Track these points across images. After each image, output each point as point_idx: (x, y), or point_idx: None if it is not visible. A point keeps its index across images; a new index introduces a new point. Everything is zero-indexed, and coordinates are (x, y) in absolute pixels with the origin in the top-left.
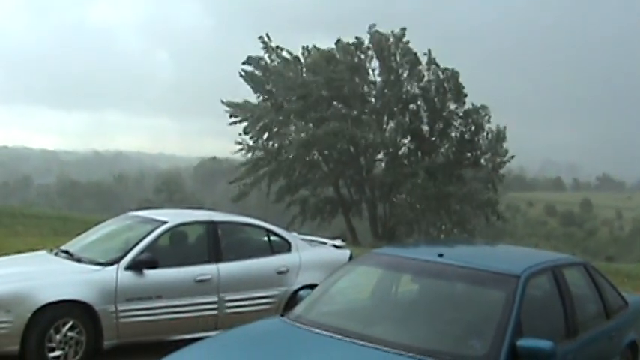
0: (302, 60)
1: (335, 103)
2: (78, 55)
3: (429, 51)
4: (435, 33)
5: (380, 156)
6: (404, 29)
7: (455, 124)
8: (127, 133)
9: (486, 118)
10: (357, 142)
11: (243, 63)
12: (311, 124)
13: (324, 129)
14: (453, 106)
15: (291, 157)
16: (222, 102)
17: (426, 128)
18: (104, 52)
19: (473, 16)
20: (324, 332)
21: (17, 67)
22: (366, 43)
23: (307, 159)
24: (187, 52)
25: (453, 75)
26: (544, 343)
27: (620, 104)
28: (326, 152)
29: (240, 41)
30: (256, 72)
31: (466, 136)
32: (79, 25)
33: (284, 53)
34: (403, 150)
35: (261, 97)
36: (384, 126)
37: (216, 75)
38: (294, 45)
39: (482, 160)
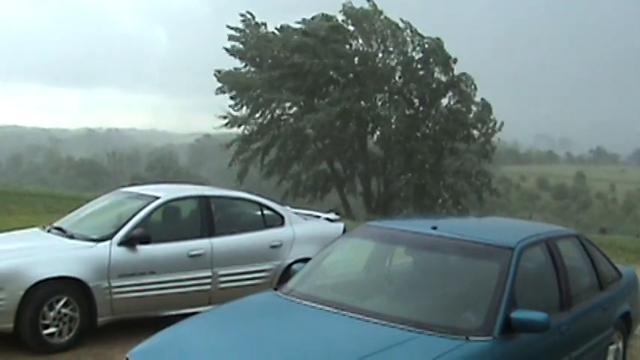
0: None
1: (327, 79)
2: (72, 33)
3: (409, 23)
4: (429, 7)
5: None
6: (370, 0)
7: (446, 94)
8: (120, 110)
9: (473, 87)
10: (352, 118)
11: (229, 38)
12: (304, 101)
13: (332, 111)
14: (441, 77)
15: (284, 129)
16: (215, 74)
17: (415, 100)
18: (99, 30)
19: None
20: (318, 306)
21: (10, 45)
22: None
23: (301, 134)
24: (182, 29)
25: (438, 44)
26: (538, 315)
27: (614, 78)
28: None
29: (235, 18)
30: (240, 46)
31: (457, 106)
32: (73, 1)
33: (270, 28)
34: (395, 122)
35: (248, 69)
36: (375, 98)
37: (210, 52)
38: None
39: (474, 132)
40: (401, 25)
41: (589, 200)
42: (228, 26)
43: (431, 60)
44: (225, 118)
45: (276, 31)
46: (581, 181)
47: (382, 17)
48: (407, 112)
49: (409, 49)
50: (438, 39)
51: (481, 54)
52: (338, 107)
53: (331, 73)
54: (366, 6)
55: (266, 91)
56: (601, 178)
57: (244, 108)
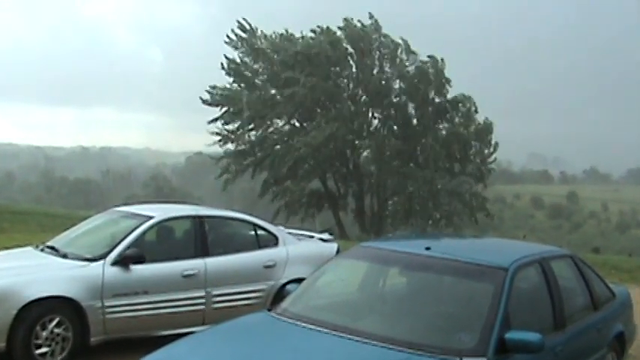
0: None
1: (321, 98)
2: (66, 52)
3: (404, 41)
4: (418, 23)
5: (366, 152)
6: (372, 17)
7: (447, 115)
8: (114, 128)
9: (473, 109)
10: (345, 138)
11: (226, 43)
12: (297, 119)
13: (323, 132)
14: (435, 96)
15: (276, 149)
16: (201, 99)
17: (414, 121)
18: (92, 48)
19: (457, 6)
20: (311, 326)
21: (3, 63)
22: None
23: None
24: (177, 48)
25: (437, 64)
26: (532, 336)
27: (607, 97)
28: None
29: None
30: (238, 57)
31: (459, 128)
32: (66, 20)
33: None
34: (390, 144)
35: (244, 86)
36: (370, 117)
37: (204, 71)
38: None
39: (470, 153)
40: (400, 43)
41: (582, 220)
42: (227, 36)
43: (430, 79)
44: (218, 134)
45: (275, 38)
46: (574, 200)
47: (382, 37)
48: (402, 132)
49: (407, 69)
50: (441, 60)
51: (473, 73)
52: (328, 130)
53: (322, 92)
54: (368, 23)
55: (259, 109)
56: (594, 197)
57: (237, 127)
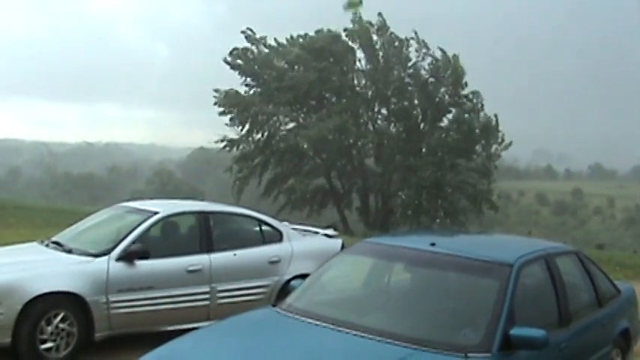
0: (288, 48)
1: (326, 94)
2: (70, 47)
3: (416, 33)
4: (419, 21)
5: (371, 148)
6: (380, 15)
7: (451, 110)
8: (119, 124)
9: (479, 105)
10: (349, 133)
11: (230, 54)
12: (302, 117)
13: (327, 125)
14: (444, 93)
15: (281, 145)
16: (214, 91)
17: (419, 116)
18: (97, 44)
19: (461, 5)
20: (316, 322)
21: (9, 59)
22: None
23: (298, 149)
24: (182, 44)
25: (453, 59)
26: (537, 332)
27: (612, 94)
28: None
29: (235, 33)
30: (241, 62)
31: (463, 125)
32: (71, 15)
33: (271, 41)
34: (394, 139)
35: (248, 86)
36: (375, 114)
37: (210, 66)
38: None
39: (477, 147)
40: (410, 39)
41: (587, 216)
42: (233, 49)
43: (442, 74)
44: (222, 141)
45: (276, 44)
46: (579, 196)
47: (389, 33)
48: (407, 127)
49: (417, 64)
50: (455, 55)
51: (477, 70)
52: (331, 124)
53: (327, 87)
54: (375, 20)
55: (263, 107)
56: (599, 193)
57: (241, 127)
